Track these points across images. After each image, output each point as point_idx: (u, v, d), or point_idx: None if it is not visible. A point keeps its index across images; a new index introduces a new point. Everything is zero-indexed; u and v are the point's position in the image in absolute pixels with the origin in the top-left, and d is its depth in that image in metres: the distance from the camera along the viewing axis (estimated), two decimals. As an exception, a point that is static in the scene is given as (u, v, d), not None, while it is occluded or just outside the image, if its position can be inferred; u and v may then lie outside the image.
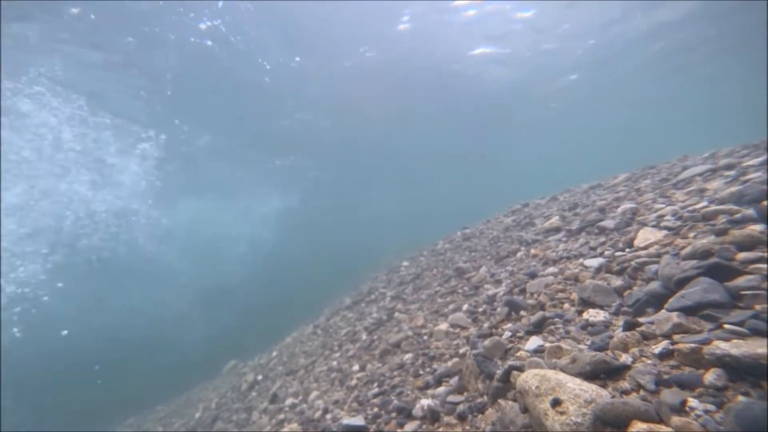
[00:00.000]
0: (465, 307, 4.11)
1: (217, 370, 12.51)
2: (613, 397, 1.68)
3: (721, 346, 1.59)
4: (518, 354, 2.55)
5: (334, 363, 5.21)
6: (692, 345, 1.70)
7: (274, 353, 8.65)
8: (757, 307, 1.81)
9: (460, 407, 2.54)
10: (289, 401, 4.99)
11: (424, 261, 8.10)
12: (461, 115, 23.27)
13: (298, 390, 5.23)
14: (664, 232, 3.05)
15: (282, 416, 4.71)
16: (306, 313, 12.37)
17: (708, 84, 26.49)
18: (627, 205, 4.12)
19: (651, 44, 18.02)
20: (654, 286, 2.36)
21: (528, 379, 1.96)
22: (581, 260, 3.47)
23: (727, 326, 1.76)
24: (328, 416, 3.79)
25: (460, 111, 22.43)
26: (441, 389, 2.94)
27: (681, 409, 1.48)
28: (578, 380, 1.82)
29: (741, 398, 1.41)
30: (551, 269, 3.67)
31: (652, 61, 19.78)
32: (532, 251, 4.56)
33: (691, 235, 2.78)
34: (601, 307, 2.58)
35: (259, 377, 7.34)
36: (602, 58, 18.11)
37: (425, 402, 2.83)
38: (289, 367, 6.58)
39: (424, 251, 9.28)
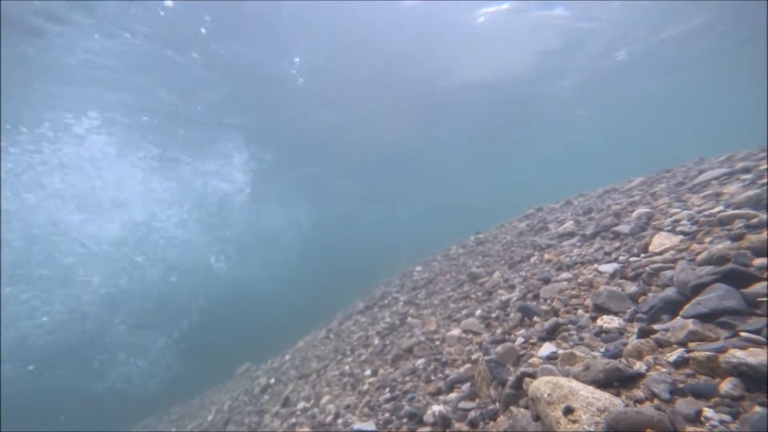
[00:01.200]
0: (478, 312, 4.09)
1: (230, 373, 12.60)
2: (627, 405, 1.66)
3: (738, 355, 1.56)
4: (531, 360, 2.53)
5: (346, 367, 5.21)
6: (708, 353, 1.67)
7: (287, 357, 8.68)
8: (775, 314, 1.78)
9: (472, 414, 2.52)
10: (300, 405, 5.00)
11: (437, 266, 8.08)
12: (477, 116, 23.18)
13: (310, 394, 5.24)
14: (680, 237, 3.01)
15: (294, 420, 4.72)
16: (319, 316, 12.41)
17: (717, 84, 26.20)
18: (642, 210, 4.07)
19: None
20: (669, 292, 2.33)
21: (540, 386, 1.94)
22: (595, 265, 3.44)
23: (743, 334, 1.73)
24: (340, 421, 3.80)
25: (476, 111, 22.34)
26: (453, 395, 2.93)
27: (696, 419, 1.45)
28: (591, 388, 1.80)
29: (758, 409, 1.39)
30: (565, 275, 3.63)
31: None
32: (546, 256, 4.52)
33: (707, 240, 2.74)
34: (616, 314, 2.55)
35: (272, 381, 7.37)
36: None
37: (437, 408, 2.82)
38: (302, 371, 6.60)
39: (437, 256, 9.25)
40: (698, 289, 2.14)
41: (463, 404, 2.72)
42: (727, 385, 1.52)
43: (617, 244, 3.70)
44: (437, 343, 4.13)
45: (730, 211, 2.89)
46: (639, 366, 1.89)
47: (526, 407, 2.14)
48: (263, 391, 7.19)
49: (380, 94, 17.65)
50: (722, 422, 1.40)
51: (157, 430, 10.72)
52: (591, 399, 1.70)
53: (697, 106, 32.51)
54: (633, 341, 2.09)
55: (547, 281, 3.74)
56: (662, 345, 1.98)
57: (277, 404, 5.73)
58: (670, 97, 27.82)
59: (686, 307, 2.11)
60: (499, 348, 2.85)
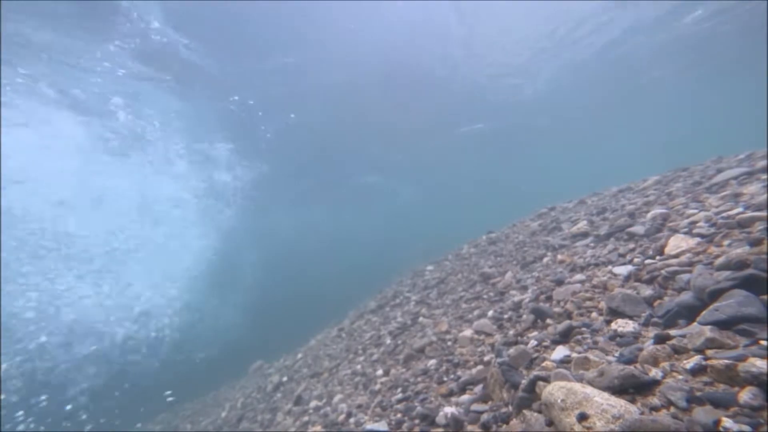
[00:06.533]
0: (490, 313, 4.07)
1: (243, 370, 12.71)
2: (642, 413, 1.63)
3: (757, 364, 1.53)
4: (544, 364, 2.51)
5: (358, 367, 5.22)
6: (726, 361, 1.64)
7: (299, 355, 8.73)
8: (796, 322, 1.74)
9: (484, 416, 2.51)
10: (313, 404, 5.03)
11: (449, 265, 8.05)
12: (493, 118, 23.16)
13: (322, 393, 5.26)
14: (697, 239, 2.96)
15: (306, 418, 4.75)
16: (331, 315, 12.46)
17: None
18: (657, 210, 4.01)
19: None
20: (686, 297, 2.29)
21: (554, 391, 1.92)
22: (610, 267, 3.40)
23: (763, 342, 1.69)
24: (352, 420, 3.80)
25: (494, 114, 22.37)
26: (465, 397, 2.92)
27: (714, 429, 1.43)
28: (606, 394, 1.78)
29: (778, 420, 1.36)
30: (579, 276, 3.60)
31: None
32: (559, 257, 4.48)
33: (726, 243, 2.69)
34: (630, 318, 2.51)
35: (284, 379, 7.42)
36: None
37: (449, 410, 2.81)
38: (314, 369, 6.63)
39: (449, 255, 9.22)
40: (716, 294, 2.10)
41: (475, 406, 2.71)
42: (746, 395, 1.49)
43: (632, 245, 3.65)
44: (449, 343, 4.12)
45: (749, 213, 2.84)
46: (655, 373, 1.86)
47: (539, 411, 2.12)
48: (276, 388, 7.23)
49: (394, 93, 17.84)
50: (741, 433, 1.37)
51: (173, 425, 10.85)
52: (606, 406, 1.68)
53: (713, 102, 31.89)
54: (649, 347, 2.06)
55: (560, 283, 3.71)
56: (679, 351, 1.94)
57: (290, 402, 5.76)
58: (685, 93, 27.36)
59: (704, 313, 2.07)
60: (512, 350, 2.83)
